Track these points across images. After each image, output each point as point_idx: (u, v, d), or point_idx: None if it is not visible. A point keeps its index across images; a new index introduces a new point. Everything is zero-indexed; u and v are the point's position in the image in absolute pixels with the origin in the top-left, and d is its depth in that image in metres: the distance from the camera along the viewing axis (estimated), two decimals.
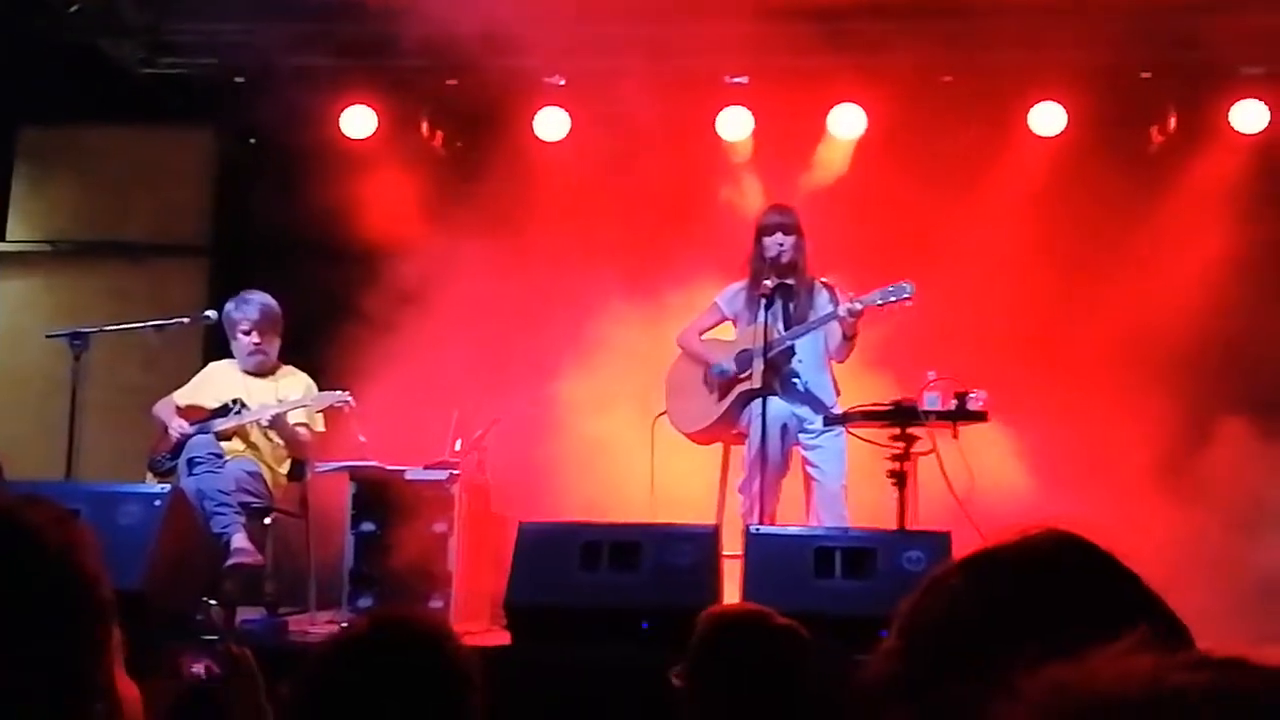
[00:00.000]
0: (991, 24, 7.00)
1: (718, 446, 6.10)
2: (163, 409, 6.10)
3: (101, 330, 6.05)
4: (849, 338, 5.69)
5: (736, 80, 7.41)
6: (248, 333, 6.09)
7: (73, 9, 7.28)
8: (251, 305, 6.13)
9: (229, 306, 6.18)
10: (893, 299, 5.51)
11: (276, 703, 2.45)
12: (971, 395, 5.27)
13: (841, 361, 5.88)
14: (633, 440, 6.31)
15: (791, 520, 5.73)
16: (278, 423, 5.85)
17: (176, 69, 7.60)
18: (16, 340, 7.41)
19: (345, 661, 2.09)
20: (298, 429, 5.94)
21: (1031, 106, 7.19)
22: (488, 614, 5.72)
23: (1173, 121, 7.26)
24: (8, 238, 7.86)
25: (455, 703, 2.06)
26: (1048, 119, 7.18)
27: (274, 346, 6.18)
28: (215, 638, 4.55)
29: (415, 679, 2.07)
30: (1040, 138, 7.22)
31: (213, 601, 5.26)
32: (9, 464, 6.21)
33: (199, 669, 2.60)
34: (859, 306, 5.56)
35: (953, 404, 5.28)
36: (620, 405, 6.66)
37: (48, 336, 6.15)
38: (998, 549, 1.12)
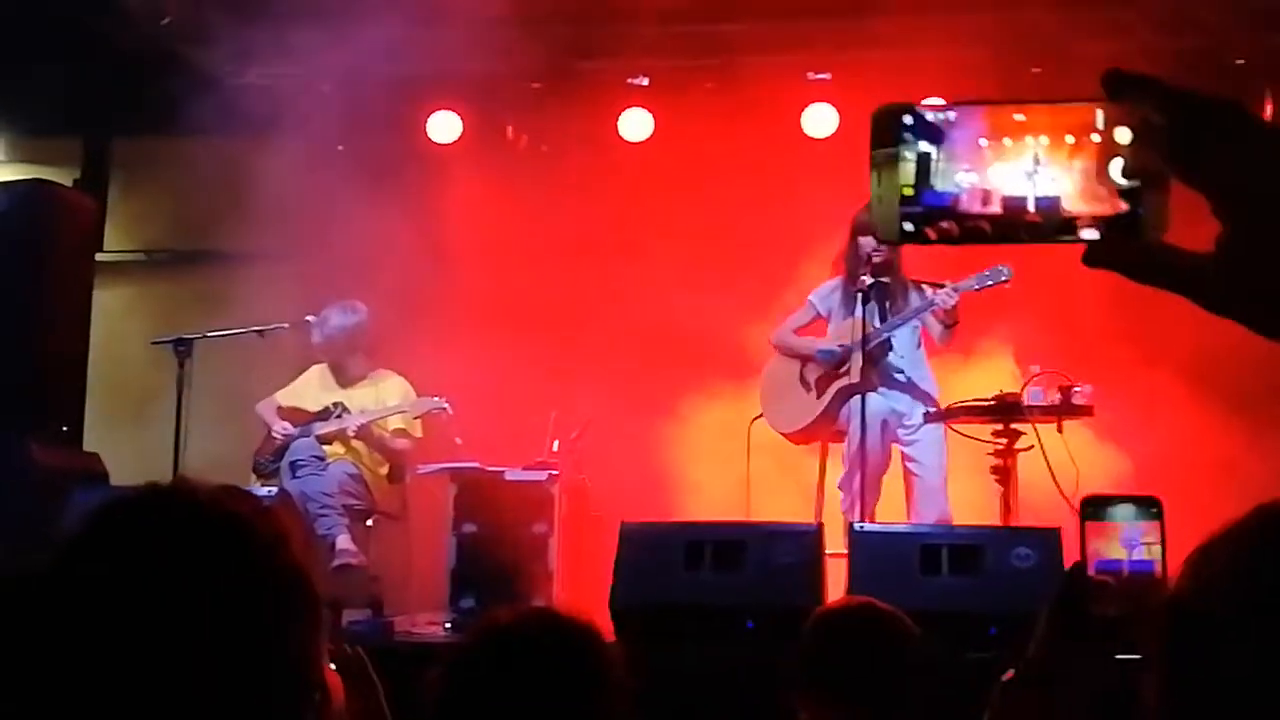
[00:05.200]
0: (1077, 14, 6.90)
1: (814, 446, 6.07)
2: (265, 409, 6.21)
3: (205, 336, 6.15)
4: (949, 325, 5.66)
5: (819, 76, 7.38)
6: (326, 353, 6.24)
7: (164, 22, 7.41)
8: (320, 331, 6.27)
9: (314, 321, 6.31)
10: (990, 283, 5.47)
11: (422, 695, 2.42)
12: (1076, 389, 5.20)
13: (947, 346, 5.85)
14: (728, 440, 6.30)
15: (891, 517, 5.69)
16: (363, 433, 5.93)
17: (264, 79, 7.71)
18: (116, 348, 7.53)
19: (496, 658, 2.08)
20: (396, 437, 6.02)
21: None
22: (588, 616, 5.73)
23: (1269, 108, 7.12)
24: (105, 248, 8.01)
25: (605, 704, 2.05)
26: None
27: (352, 361, 6.29)
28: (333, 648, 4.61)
29: (566, 678, 2.06)
30: None
31: None
32: (111, 471, 6.34)
33: None
34: (956, 293, 5.53)
35: (1057, 398, 5.22)
36: (715, 405, 6.65)
37: (152, 343, 6.26)
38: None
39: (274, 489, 5.58)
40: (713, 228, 7.13)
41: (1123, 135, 0.84)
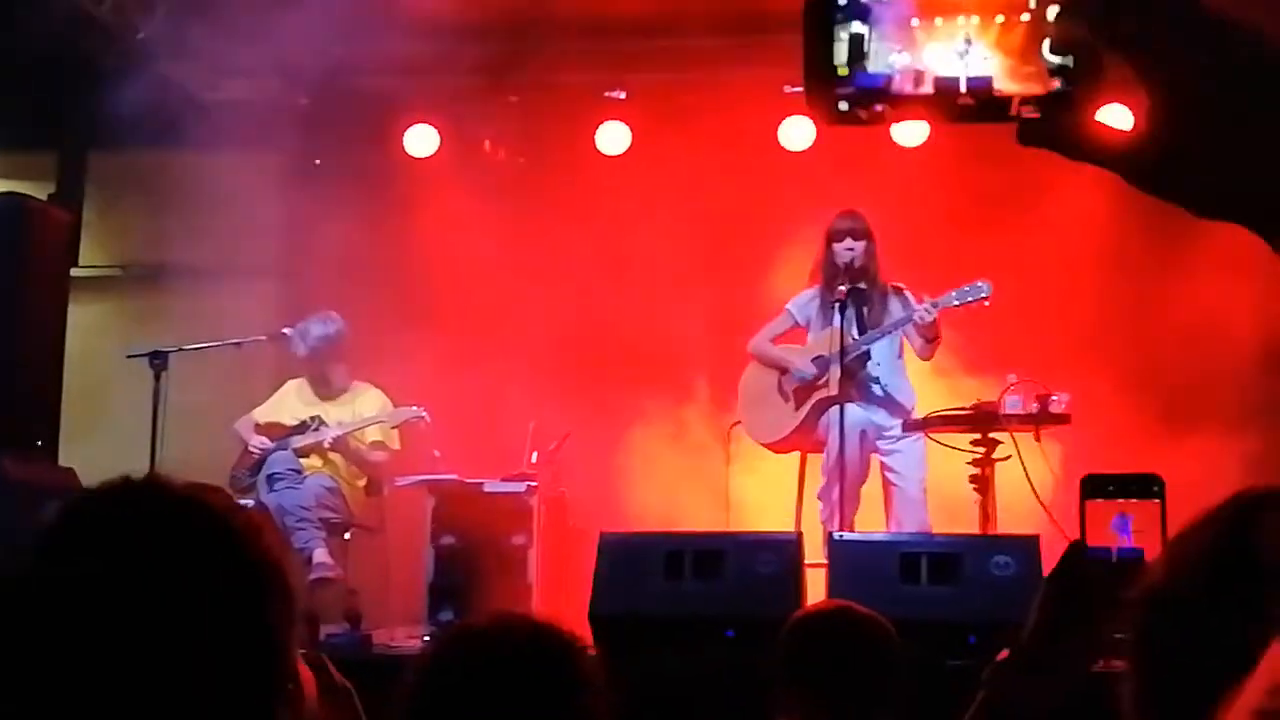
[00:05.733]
0: None
1: (794, 455, 6.08)
2: (243, 426, 6.18)
3: (181, 349, 6.12)
4: (930, 339, 5.68)
5: (796, 90, 7.38)
6: (311, 364, 6.22)
7: (139, 36, 7.39)
8: (303, 342, 6.25)
9: (293, 333, 6.29)
10: (970, 299, 5.49)
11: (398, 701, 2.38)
12: (1054, 398, 5.22)
13: (927, 359, 5.86)
14: (706, 450, 6.30)
15: (870, 527, 5.70)
16: (340, 445, 5.91)
17: (241, 93, 7.69)
18: (91, 363, 7.48)
19: (470, 665, 2.05)
20: (374, 449, 6.00)
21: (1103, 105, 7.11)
22: (568, 626, 5.71)
23: None
24: (80, 263, 7.96)
25: (584, 712, 2.03)
26: (1117, 118, 7.09)
27: (335, 371, 6.28)
28: (302, 651, 4.58)
29: (543, 685, 2.03)
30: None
31: None
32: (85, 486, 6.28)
33: None
34: (935, 309, 5.54)
35: (1034, 407, 5.24)
36: (693, 415, 6.66)
37: (128, 357, 6.23)
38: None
39: (250, 502, 5.55)
40: (690, 240, 7.14)
41: (1054, 13, 0.84)
